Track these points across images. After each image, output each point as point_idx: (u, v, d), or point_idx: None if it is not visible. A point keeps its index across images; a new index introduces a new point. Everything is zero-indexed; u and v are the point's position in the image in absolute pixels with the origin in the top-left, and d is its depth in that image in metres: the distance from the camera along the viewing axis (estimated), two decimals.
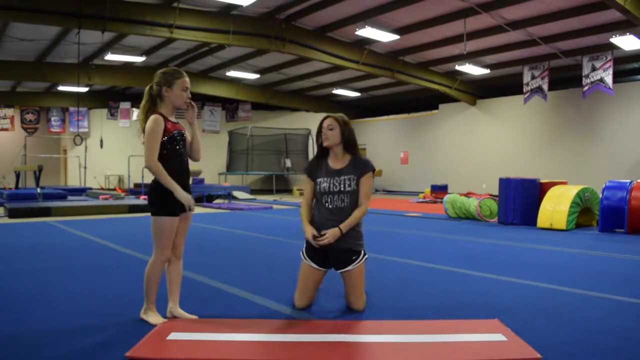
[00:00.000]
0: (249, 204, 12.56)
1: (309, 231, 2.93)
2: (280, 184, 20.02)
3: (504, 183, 8.09)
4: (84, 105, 19.09)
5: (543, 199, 7.61)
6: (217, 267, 4.36)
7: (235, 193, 15.09)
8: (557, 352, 2.25)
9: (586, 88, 13.07)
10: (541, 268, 4.39)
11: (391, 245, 5.71)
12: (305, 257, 3.00)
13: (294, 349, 2.32)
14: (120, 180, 19.80)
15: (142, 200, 11.85)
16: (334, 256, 2.96)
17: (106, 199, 12.10)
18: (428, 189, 16.46)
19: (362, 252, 3.01)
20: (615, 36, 11.19)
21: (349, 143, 3.01)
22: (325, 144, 3.01)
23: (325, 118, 3.04)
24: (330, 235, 2.86)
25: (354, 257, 2.96)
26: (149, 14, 10.89)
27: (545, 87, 14.08)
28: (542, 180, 8.17)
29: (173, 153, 2.68)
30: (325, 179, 2.99)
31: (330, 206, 2.96)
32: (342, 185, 2.95)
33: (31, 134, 20.11)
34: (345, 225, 2.89)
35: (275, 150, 20.18)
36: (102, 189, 18.68)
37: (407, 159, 20.39)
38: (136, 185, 17.59)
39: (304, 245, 3.04)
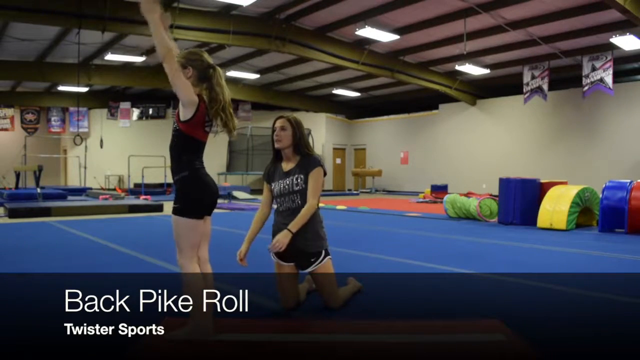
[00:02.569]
0: (249, 204, 12.56)
1: (242, 249, 2.97)
2: None
3: (504, 183, 8.09)
4: (84, 105, 19.08)
5: (543, 199, 7.60)
6: (216, 267, 4.35)
7: (235, 193, 15.09)
8: (557, 352, 2.25)
9: (586, 88, 13.07)
10: (541, 268, 4.39)
11: (391, 245, 5.71)
12: (272, 255, 3.08)
13: (293, 349, 2.32)
14: (120, 180, 19.80)
15: (142, 200, 11.86)
16: (292, 256, 3.00)
17: (106, 199, 12.10)
18: (428, 189, 16.45)
19: (322, 252, 2.99)
20: (615, 36, 11.19)
21: (300, 144, 2.97)
22: (277, 145, 2.97)
23: (277, 118, 3.00)
24: (280, 239, 2.83)
25: (312, 260, 2.97)
26: None
27: (545, 87, 14.08)
28: (542, 180, 8.16)
29: None
30: (277, 182, 3.00)
31: (282, 208, 2.99)
32: (291, 186, 2.94)
33: (31, 134, 20.10)
34: (293, 225, 2.86)
35: None
36: (102, 189, 18.68)
37: (407, 159, 20.38)
38: (136, 185, 17.60)
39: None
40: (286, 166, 3.01)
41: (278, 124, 2.98)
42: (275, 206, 3.09)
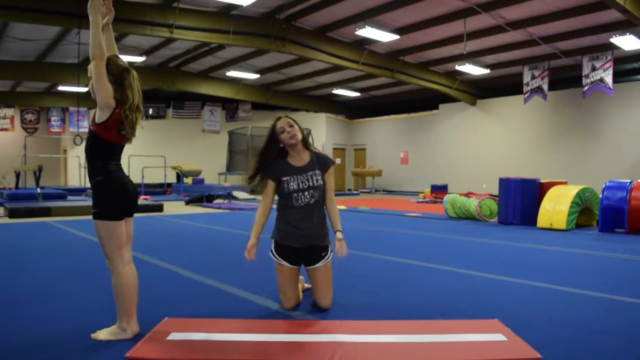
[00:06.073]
0: (248, 204, 12.56)
1: (252, 243, 2.92)
2: None
3: (504, 183, 8.09)
4: (84, 105, 19.05)
5: (543, 199, 7.61)
6: (217, 267, 4.36)
7: (235, 193, 15.08)
8: (557, 352, 2.25)
9: (586, 88, 13.07)
10: (541, 268, 4.39)
11: (391, 245, 5.71)
12: (276, 257, 3.00)
13: (294, 348, 2.32)
14: None
15: (142, 200, 11.86)
16: (304, 253, 2.96)
17: None
18: (428, 189, 16.46)
19: (329, 247, 3.02)
20: (615, 36, 11.19)
21: (306, 140, 3.06)
22: (293, 141, 2.96)
23: (278, 119, 3.01)
24: (342, 245, 2.91)
25: (323, 254, 2.98)
26: (149, 14, 10.88)
27: (545, 87, 14.09)
28: (542, 180, 8.16)
29: None
30: (292, 177, 2.97)
31: (300, 203, 2.96)
32: (310, 181, 2.96)
33: (31, 134, 20.11)
34: (338, 225, 2.99)
35: None
36: None
37: (407, 159, 20.38)
38: (136, 185, 17.57)
39: (272, 245, 3.04)
40: (296, 162, 3.00)
41: (283, 122, 2.98)
42: (282, 202, 3.03)
